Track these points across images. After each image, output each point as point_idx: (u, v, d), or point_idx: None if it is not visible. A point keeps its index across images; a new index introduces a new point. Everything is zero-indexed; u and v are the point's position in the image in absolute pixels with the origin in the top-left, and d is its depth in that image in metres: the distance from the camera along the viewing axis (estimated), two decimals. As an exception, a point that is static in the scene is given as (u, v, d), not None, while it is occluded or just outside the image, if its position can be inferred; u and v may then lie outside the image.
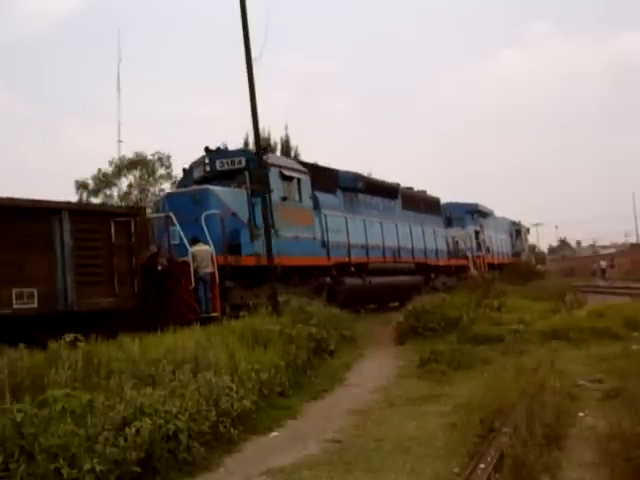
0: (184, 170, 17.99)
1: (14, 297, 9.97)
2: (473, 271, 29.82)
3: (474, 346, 12.18)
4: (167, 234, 13.69)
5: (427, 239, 26.46)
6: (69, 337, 7.21)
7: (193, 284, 13.06)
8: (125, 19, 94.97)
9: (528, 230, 49.26)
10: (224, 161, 16.81)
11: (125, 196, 29.79)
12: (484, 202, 35.33)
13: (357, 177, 22.07)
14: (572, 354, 11.33)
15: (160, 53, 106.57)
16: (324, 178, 19.63)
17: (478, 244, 32.91)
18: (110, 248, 11.66)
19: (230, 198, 15.45)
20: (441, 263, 27.74)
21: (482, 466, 5.14)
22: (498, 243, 37.35)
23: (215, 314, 13.14)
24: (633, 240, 74.21)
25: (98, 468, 5.03)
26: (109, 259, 11.63)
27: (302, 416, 8.22)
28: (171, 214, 13.72)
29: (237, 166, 16.54)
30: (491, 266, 33.33)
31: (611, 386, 8.18)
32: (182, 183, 18.05)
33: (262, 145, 15.25)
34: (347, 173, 21.53)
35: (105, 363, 7.29)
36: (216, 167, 16.78)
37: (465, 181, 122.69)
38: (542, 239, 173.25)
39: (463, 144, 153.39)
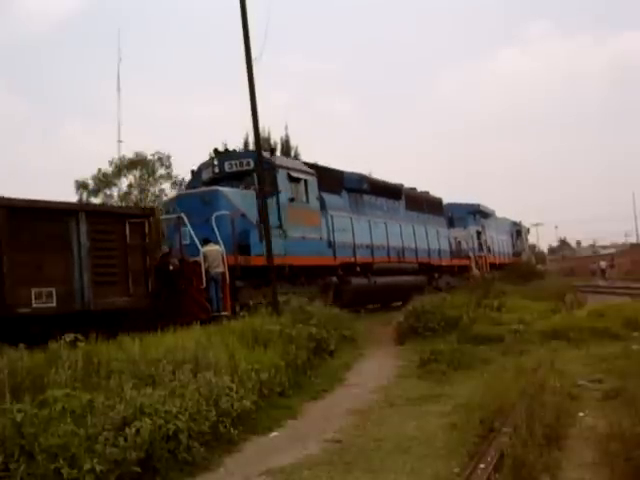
0: (192, 172, 18.12)
1: (33, 297, 10.11)
2: (475, 271, 29.85)
3: (474, 346, 12.17)
4: (179, 234, 13.86)
5: (430, 239, 26.52)
6: (69, 337, 7.22)
7: (204, 284, 13.20)
8: (125, 19, 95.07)
9: (528, 230, 49.28)
10: (232, 163, 17.00)
11: (125, 196, 29.84)
12: (484, 202, 35.46)
13: (362, 178, 22.22)
14: (572, 354, 11.32)
15: (160, 53, 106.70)
16: (330, 179, 19.75)
17: (480, 244, 32.95)
18: (125, 248, 11.82)
19: (239, 199, 15.61)
20: (444, 263, 27.81)
21: (482, 466, 5.15)
22: (499, 243, 37.39)
23: (226, 313, 13.24)
24: (633, 240, 74.34)
25: (98, 468, 5.03)
26: (124, 259, 11.78)
27: (302, 416, 8.22)
28: (183, 215, 13.86)
29: (245, 168, 16.70)
30: (492, 266, 33.37)
31: (611, 386, 8.18)
32: (191, 184, 18.21)
33: (263, 145, 15.33)
34: (352, 174, 21.66)
35: (105, 363, 7.30)
36: (225, 169, 16.98)
37: (465, 181, 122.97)
38: (542, 239, 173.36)
39: (463, 144, 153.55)
